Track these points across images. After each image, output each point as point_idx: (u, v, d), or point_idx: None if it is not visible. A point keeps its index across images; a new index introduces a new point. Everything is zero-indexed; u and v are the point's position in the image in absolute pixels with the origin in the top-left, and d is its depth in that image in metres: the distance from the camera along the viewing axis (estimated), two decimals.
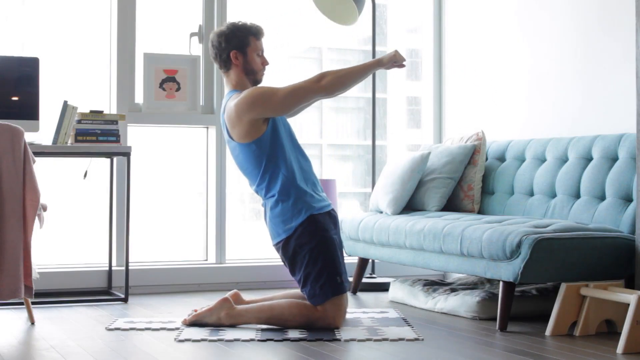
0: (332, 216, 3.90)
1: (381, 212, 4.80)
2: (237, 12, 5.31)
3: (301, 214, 3.78)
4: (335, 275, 3.74)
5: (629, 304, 3.39)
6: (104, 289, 4.84)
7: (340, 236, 3.96)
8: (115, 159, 4.86)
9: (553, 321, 3.64)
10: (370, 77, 5.42)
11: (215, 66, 5.16)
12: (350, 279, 5.05)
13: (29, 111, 4.49)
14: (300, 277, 3.77)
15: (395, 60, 3.88)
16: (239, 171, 3.96)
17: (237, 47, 3.89)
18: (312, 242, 3.76)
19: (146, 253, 5.13)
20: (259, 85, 3.90)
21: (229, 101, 3.85)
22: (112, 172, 4.86)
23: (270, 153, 3.81)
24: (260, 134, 3.80)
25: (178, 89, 5.07)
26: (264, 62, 3.95)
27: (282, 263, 3.91)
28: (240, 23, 3.95)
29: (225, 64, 3.92)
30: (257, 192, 3.92)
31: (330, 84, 3.79)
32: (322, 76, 3.80)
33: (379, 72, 5.69)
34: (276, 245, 3.85)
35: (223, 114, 3.89)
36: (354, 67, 3.87)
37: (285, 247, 3.80)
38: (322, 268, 3.73)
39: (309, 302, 3.76)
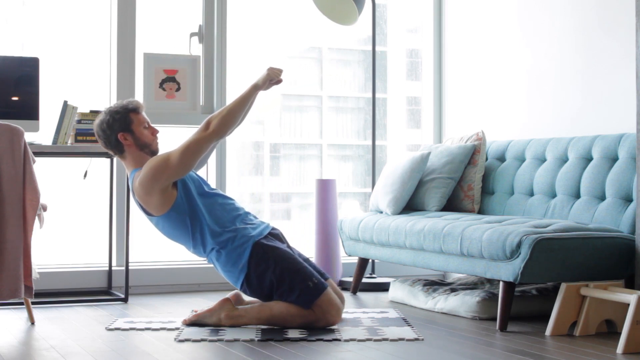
0: (275, 234, 3.94)
1: (381, 212, 4.80)
2: (237, 12, 5.31)
3: (245, 248, 3.80)
4: (306, 282, 3.74)
5: (629, 304, 3.39)
6: (104, 289, 4.84)
7: (291, 246, 3.99)
8: (115, 159, 4.85)
9: (553, 321, 3.64)
10: (370, 77, 5.43)
11: (215, 66, 5.18)
12: (350, 279, 5.05)
13: (29, 111, 4.49)
14: (281, 299, 3.77)
15: (271, 79, 3.88)
16: (170, 240, 3.96)
17: (122, 128, 3.86)
18: (269, 265, 3.77)
19: (146, 253, 5.13)
20: (154, 157, 3.84)
21: (134, 181, 3.84)
22: (112, 172, 4.86)
23: (190, 213, 3.82)
24: (174, 199, 3.80)
25: (178, 89, 5.07)
26: (154, 132, 3.93)
27: (261, 300, 3.87)
28: (115, 105, 3.92)
29: (117, 147, 3.89)
30: (197, 253, 3.93)
31: (218, 127, 3.78)
32: (207, 123, 3.80)
33: (379, 72, 5.69)
34: (242, 288, 3.85)
35: (134, 196, 3.87)
36: (233, 101, 3.85)
37: (250, 284, 3.81)
38: (290, 283, 3.74)
39: None
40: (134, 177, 3.85)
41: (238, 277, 3.81)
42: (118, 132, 3.85)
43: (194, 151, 3.76)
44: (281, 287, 3.74)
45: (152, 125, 3.95)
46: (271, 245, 3.82)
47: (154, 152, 3.91)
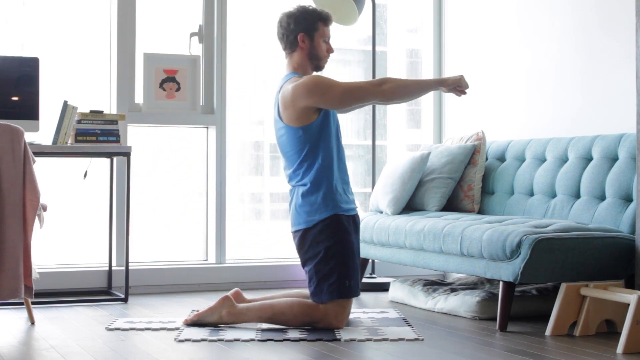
0: (355, 221, 3.90)
1: (381, 212, 4.80)
2: (237, 12, 5.31)
3: (327, 210, 3.78)
4: (345, 278, 3.73)
5: (629, 304, 3.39)
6: (104, 289, 4.84)
7: (359, 242, 3.96)
8: (115, 159, 4.86)
9: (553, 321, 3.64)
10: (370, 77, 5.42)
11: (215, 66, 5.18)
12: None
13: (29, 111, 4.49)
14: (310, 272, 3.77)
15: (459, 85, 3.87)
16: (279, 152, 3.94)
17: (305, 30, 3.89)
18: (329, 241, 3.75)
19: (146, 253, 5.13)
20: (321, 76, 3.87)
21: (287, 83, 3.84)
22: (112, 172, 4.86)
23: (314, 143, 3.80)
24: (310, 122, 3.79)
25: (178, 89, 5.07)
26: (329, 50, 3.96)
27: (297, 253, 3.88)
28: (310, 7, 3.94)
29: (291, 45, 3.91)
30: (290, 176, 3.89)
31: (390, 91, 3.79)
32: (383, 81, 3.80)
33: (379, 72, 5.68)
34: (294, 232, 3.84)
35: (278, 93, 3.87)
36: (415, 80, 3.90)
37: (302, 238, 3.80)
38: (333, 268, 3.73)
39: (312, 300, 3.77)
40: (289, 79, 3.85)
41: (300, 223, 3.80)
42: (299, 32, 3.87)
43: (356, 97, 3.80)
44: (321, 264, 3.73)
45: (330, 44, 3.95)
46: (345, 227, 3.80)
47: (319, 67, 3.94)
